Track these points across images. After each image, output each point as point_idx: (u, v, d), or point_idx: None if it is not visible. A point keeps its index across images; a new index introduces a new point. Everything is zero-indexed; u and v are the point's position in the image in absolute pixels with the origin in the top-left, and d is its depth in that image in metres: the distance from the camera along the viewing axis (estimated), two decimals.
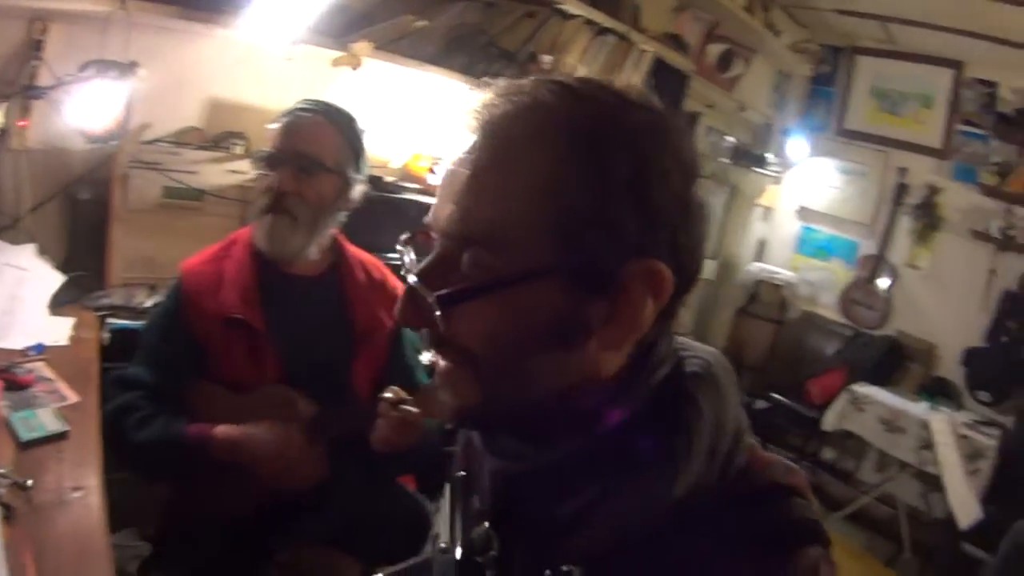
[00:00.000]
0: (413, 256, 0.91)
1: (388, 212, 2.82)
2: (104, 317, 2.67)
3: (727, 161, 5.90)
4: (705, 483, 0.83)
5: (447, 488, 1.09)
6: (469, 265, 0.82)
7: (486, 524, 0.93)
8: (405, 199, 3.21)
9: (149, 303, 2.79)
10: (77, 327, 2.45)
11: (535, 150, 0.81)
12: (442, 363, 0.89)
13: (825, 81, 6.31)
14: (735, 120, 5.87)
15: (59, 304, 2.53)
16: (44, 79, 2.80)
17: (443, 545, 1.00)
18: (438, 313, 0.81)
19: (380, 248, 2.44)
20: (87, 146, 2.92)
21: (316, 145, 2.12)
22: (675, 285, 0.82)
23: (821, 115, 6.34)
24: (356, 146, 2.23)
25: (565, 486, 0.85)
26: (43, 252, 2.73)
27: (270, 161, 2.11)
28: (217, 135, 3.20)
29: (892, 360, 5.60)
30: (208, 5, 2.86)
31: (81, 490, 1.63)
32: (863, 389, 5.22)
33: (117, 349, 2.44)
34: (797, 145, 6.21)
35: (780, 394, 5.48)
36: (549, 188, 0.79)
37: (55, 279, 2.59)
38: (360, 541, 2.03)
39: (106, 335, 2.56)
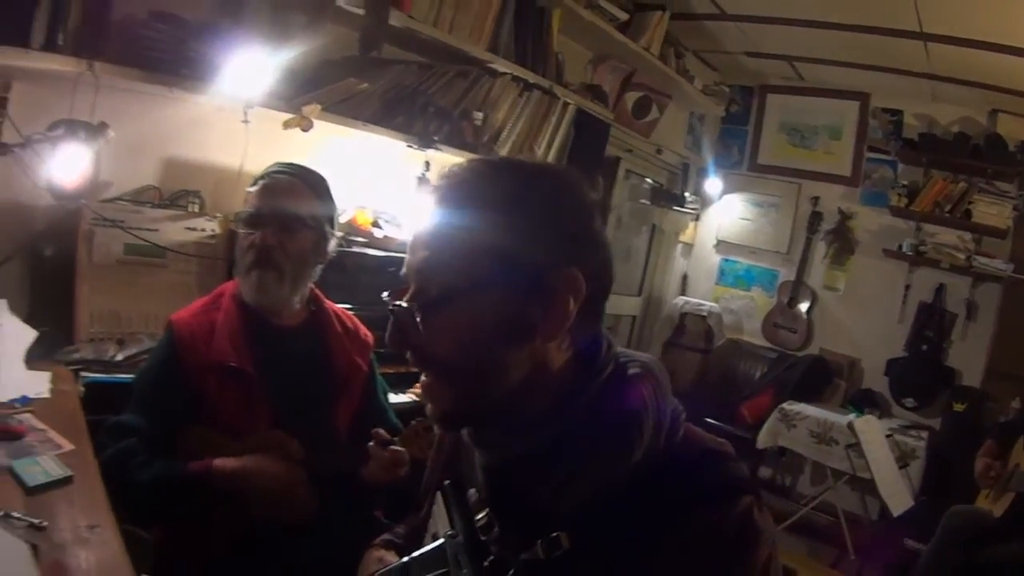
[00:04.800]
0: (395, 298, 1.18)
1: (335, 266, 2.96)
2: (77, 371, 2.73)
3: (647, 202, 6.21)
4: (653, 451, 1.10)
5: (438, 496, 1.33)
6: (437, 289, 1.11)
7: (486, 510, 1.18)
8: (352, 252, 3.37)
9: (120, 357, 2.87)
10: (55, 380, 2.49)
11: (476, 204, 1.12)
12: (424, 380, 1.17)
13: (737, 120, 6.68)
14: (653, 163, 6.16)
15: (30, 359, 2.56)
16: (8, 136, 2.87)
17: (450, 532, 1.23)
18: (418, 319, 1.11)
19: (331, 299, 2.62)
20: (50, 203, 2.99)
21: (294, 204, 2.30)
22: (592, 289, 1.11)
23: (735, 153, 6.69)
24: (328, 204, 2.44)
25: (543, 468, 1.11)
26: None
27: (252, 220, 2.29)
28: (173, 193, 3.34)
29: (818, 377, 5.92)
30: (169, 69, 3.04)
31: (97, 527, 1.71)
32: (793, 406, 5.52)
33: (92, 401, 2.49)
34: (713, 183, 6.55)
35: (713, 419, 5.69)
36: (487, 227, 1.09)
37: (28, 334, 2.62)
38: (347, 570, 2.16)
39: (81, 388, 2.61)
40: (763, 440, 5.47)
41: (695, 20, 5.39)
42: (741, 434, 5.53)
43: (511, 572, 1.10)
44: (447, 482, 1.31)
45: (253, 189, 2.36)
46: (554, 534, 1.07)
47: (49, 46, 2.77)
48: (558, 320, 1.09)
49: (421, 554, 1.23)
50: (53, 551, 1.56)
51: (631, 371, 1.17)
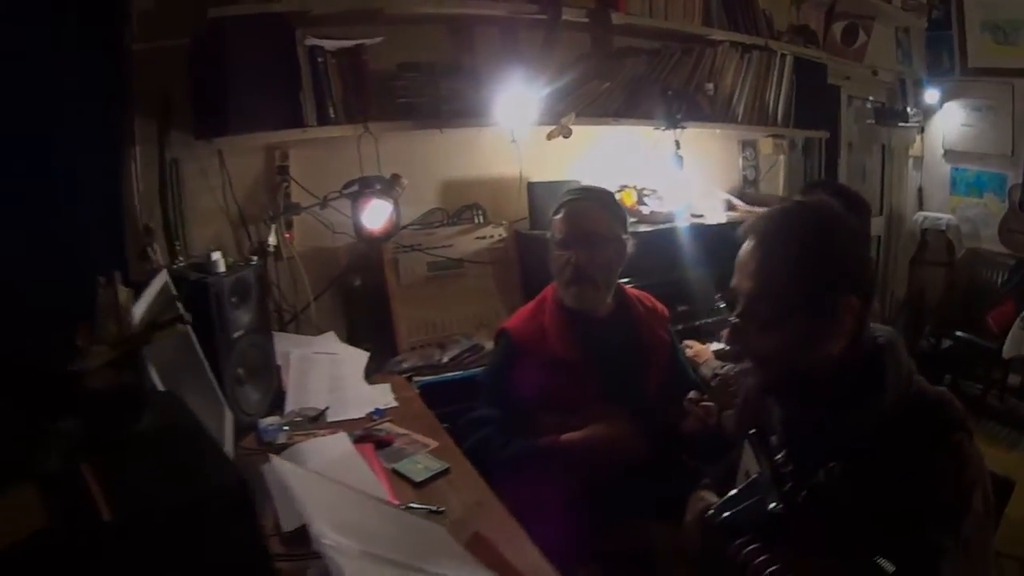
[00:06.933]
0: (725, 305, 1.75)
1: None
2: (410, 377, 3.21)
3: (872, 122, 6.25)
4: (895, 402, 1.56)
5: (746, 444, 1.80)
6: (761, 310, 1.62)
7: (784, 451, 1.68)
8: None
9: (446, 359, 3.36)
10: (395, 389, 2.95)
11: (788, 245, 1.60)
12: (747, 363, 1.70)
13: (940, 26, 6.44)
14: (871, 84, 6.17)
15: (365, 375, 3.02)
16: (297, 196, 3.41)
17: (759, 471, 1.69)
18: (746, 331, 1.64)
19: None
20: (349, 242, 3.51)
21: (594, 223, 2.70)
22: (862, 303, 1.58)
23: (944, 60, 6.50)
24: (619, 214, 2.82)
25: (823, 417, 1.61)
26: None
27: (564, 243, 2.70)
28: (457, 210, 3.81)
29: None
30: (429, 111, 3.47)
31: (483, 504, 2.13)
32: None
33: (428, 400, 2.95)
34: (930, 93, 6.45)
35: (963, 331, 5.76)
36: (792, 272, 1.58)
37: (361, 356, 3.09)
38: (668, 509, 2.46)
39: (416, 391, 3.05)
40: (1008, 350, 5.33)
41: None
42: (989, 345, 5.52)
43: (803, 493, 1.55)
44: (752, 432, 1.77)
45: (557, 217, 2.75)
46: (831, 464, 1.54)
47: (323, 120, 3.27)
48: (841, 334, 1.58)
49: (741, 489, 1.70)
50: (457, 528, 1.94)
51: (879, 342, 1.64)
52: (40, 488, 1.18)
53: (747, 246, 1.67)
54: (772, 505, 1.56)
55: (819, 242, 1.59)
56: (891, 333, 1.69)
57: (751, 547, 1.52)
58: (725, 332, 1.70)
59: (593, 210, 2.73)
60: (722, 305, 1.84)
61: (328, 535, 1.38)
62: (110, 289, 1.52)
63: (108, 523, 1.12)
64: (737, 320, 1.66)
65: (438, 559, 1.64)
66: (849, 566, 1.45)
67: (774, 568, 1.44)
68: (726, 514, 1.66)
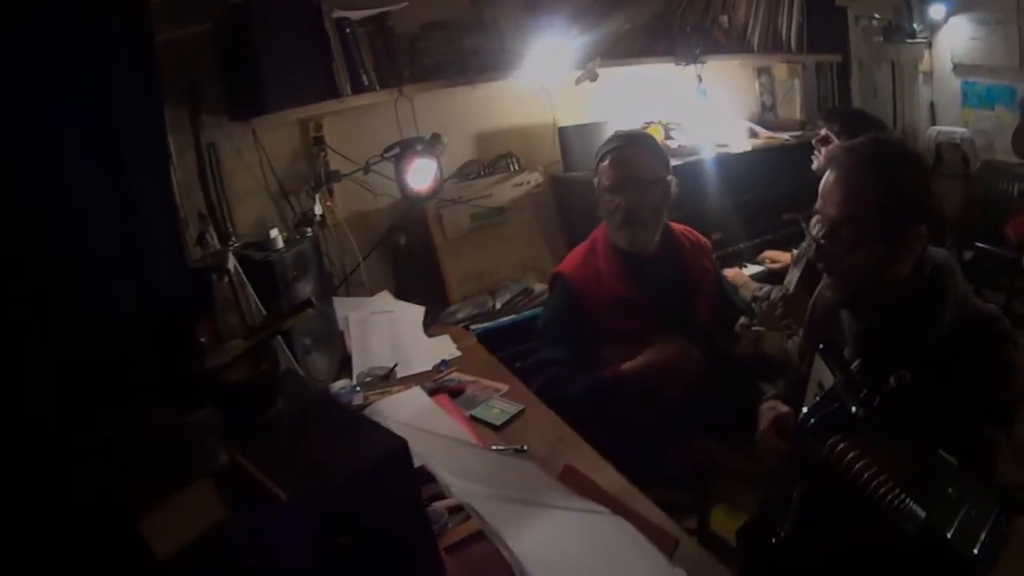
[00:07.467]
0: (807, 226, 2.03)
1: None
2: (466, 326, 3.33)
3: (881, 39, 6.27)
4: (955, 317, 1.78)
5: (817, 357, 1.93)
6: (844, 235, 1.83)
7: (857, 361, 1.83)
8: None
9: (499, 305, 3.46)
10: (455, 339, 3.05)
11: (870, 178, 1.81)
12: (829, 279, 1.92)
13: None
14: (877, 2, 6.18)
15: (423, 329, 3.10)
16: (335, 163, 3.48)
17: (835, 380, 1.82)
18: (832, 251, 1.85)
19: None
20: (390, 203, 3.62)
21: (639, 168, 2.80)
22: (929, 231, 1.78)
23: None
24: (663, 157, 2.91)
25: (893, 330, 1.83)
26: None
27: (613, 188, 2.79)
28: (491, 160, 3.89)
29: None
30: (456, 68, 3.56)
31: (562, 439, 2.25)
32: None
33: (488, 346, 3.07)
34: (936, 8, 6.38)
35: (983, 242, 5.80)
36: (876, 204, 1.78)
37: (417, 311, 3.17)
38: (727, 427, 2.65)
39: (474, 338, 3.16)
40: None
41: None
42: (1008, 254, 5.58)
43: (878, 399, 1.70)
44: (821, 346, 1.92)
45: (604, 164, 2.84)
46: (901, 372, 1.69)
47: (357, 89, 3.35)
48: (910, 257, 1.80)
49: (823, 396, 1.83)
50: (544, 464, 2.02)
51: (938, 263, 1.85)
52: (216, 482, 1.28)
53: (831, 177, 1.88)
54: (854, 409, 1.71)
55: (898, 177, 1.80)
56: (946, 256, 1.92)
57: (842, 445, 1.64)
58: (814, 249, 1.93)
59: (638, 155, 2.82)
60: (803, 225, 1.98)
61: (456, 484, 1.48)
62: (225, 283, 1.59)
63: (288, 503, 1.21)
64: (823, 242, 1.88)
65: (543, 494, 1.75)
66: (922, 456, 1.61)
67: (865, 461, 1.58)
68: (812, 420, 1.79)
